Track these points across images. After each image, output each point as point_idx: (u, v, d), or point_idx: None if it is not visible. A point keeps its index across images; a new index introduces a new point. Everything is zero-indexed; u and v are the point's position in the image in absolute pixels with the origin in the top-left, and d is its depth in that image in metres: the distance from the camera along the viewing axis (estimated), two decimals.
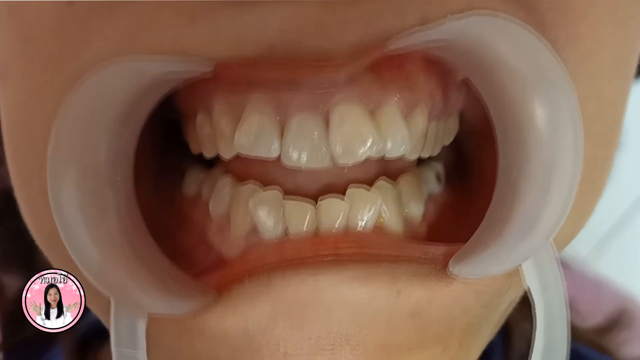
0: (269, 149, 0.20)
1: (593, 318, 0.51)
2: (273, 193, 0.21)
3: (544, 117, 0.16)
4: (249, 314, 0.18)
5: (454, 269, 0.18)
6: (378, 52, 0.17)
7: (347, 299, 0.18)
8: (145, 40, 0.17)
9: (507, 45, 0.16)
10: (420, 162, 0.26)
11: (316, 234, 0.20)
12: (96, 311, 0.21)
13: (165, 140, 0.24)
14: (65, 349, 0.37)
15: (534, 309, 0.18)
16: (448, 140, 0.24)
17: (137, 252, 0.17)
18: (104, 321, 0.21)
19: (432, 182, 0.25)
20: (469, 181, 0.25)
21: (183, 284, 0.18)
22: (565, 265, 0.18)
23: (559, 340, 0.18)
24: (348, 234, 0.20)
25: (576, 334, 0.45)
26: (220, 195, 0.22)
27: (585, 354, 0.44)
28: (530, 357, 0.18)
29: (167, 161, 0.25)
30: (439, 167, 0.26)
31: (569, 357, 0.18)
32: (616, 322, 0.51)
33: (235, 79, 0.19)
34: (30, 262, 0.36)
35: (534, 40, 0.16)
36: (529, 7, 0.17)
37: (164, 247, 0.19)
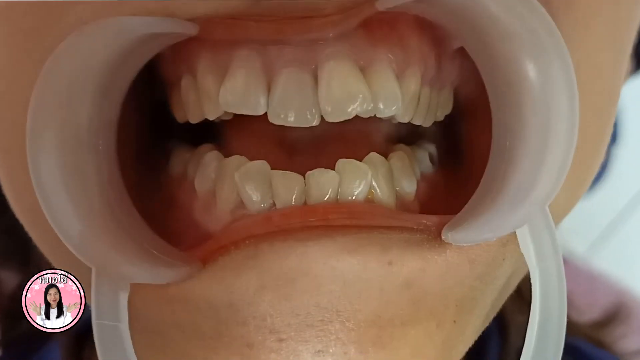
0: (255, 106, 0.19)
1: (590, 312, 0.51)
2: (260, 164, 0.20)
3: (538, 79, 0.16)
4: (235, 285, 0.17)
5: (447, 236, 0.18)
6: (367, 10, 0.16)
7: (337, 270, 0.17)
8: (127, 1, 0.16)
9: (499, 5, 0.16)
10: (412, 142, 0.25)
11: (305, 205, 0.20)
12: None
13: (152, 126, 0.24)
14: (62, 344, 0.36)
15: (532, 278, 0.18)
16: (441, 114, 0.24)
17: (119, 221, 0.17)
18: (86, 297, 0.20)
19: (425, 161, 0.24)
20: (462, 164, 0.24)
21: (166, 253, 0.18)
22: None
23: (556, 309, 0.18)
24: (338, 204, 0.20)
25: (573, 328, 0.45)
26: (205, 171, 0.21)
27: (582, 348, 0.43)
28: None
29: (154, 145, 0.24)
30: (431, 147, 0.25)
31: (565, 327, 0.18)
32: (613, 317, 0.51)
33: (221, 39, 0.18)
34: (27, 258, 0.36)
35: (528, 1, 0.16)
36: None
37: (150, 227, 0.19)
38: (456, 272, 0.18)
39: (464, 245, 0.18)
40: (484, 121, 0.19)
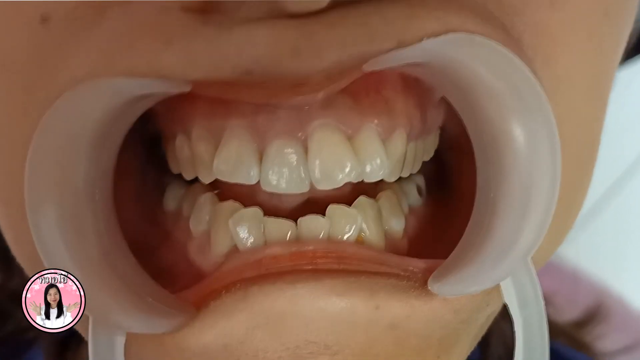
0: (248, 176, 0.20)
1: (570, 312, 0.52)
2: (253, 211, 0.20)
3: (522, 137, 0.16)
4: (227, 328, 0.18)
5: (433, 287, 0.18)
6: (355, 74, 0.17)
7: (326, 310, 0.18)
8: (121, 63, 0.16)
9: (484, 65, 0.16)
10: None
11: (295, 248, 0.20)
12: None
13: (146, 155, 0.24)
14: (45, 349, 0.36)
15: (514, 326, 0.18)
16: (428, 156, 0.24)
17: (117, 272, 0.17)
18: (83, 335, 0.21)
19: (414, 195, 0.25)
20: (449, 193, 0.25)
21: (163, 301, 0.18)
22: None
23: (539, 356, 0.18)
24: (327, 248, 0.20)
25: (553, 328, 0.46)
26: (200, 213, 0.22)
27: (560, 350, 0.44)
28: None
29: (148, 176, 0.24)
30: (419, 180, 0.26)
31: None
32: (593, 316, 0.52)
33: (213, 100, 0.18)
34: (8, 257, 0.35)
35: (511, 61, 0.16)
36: (505, 29, 0.17)
37: (145, 263, 0.19)
38: (441, 319, 0.19)
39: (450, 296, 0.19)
40: (469, 153, 0.19)
